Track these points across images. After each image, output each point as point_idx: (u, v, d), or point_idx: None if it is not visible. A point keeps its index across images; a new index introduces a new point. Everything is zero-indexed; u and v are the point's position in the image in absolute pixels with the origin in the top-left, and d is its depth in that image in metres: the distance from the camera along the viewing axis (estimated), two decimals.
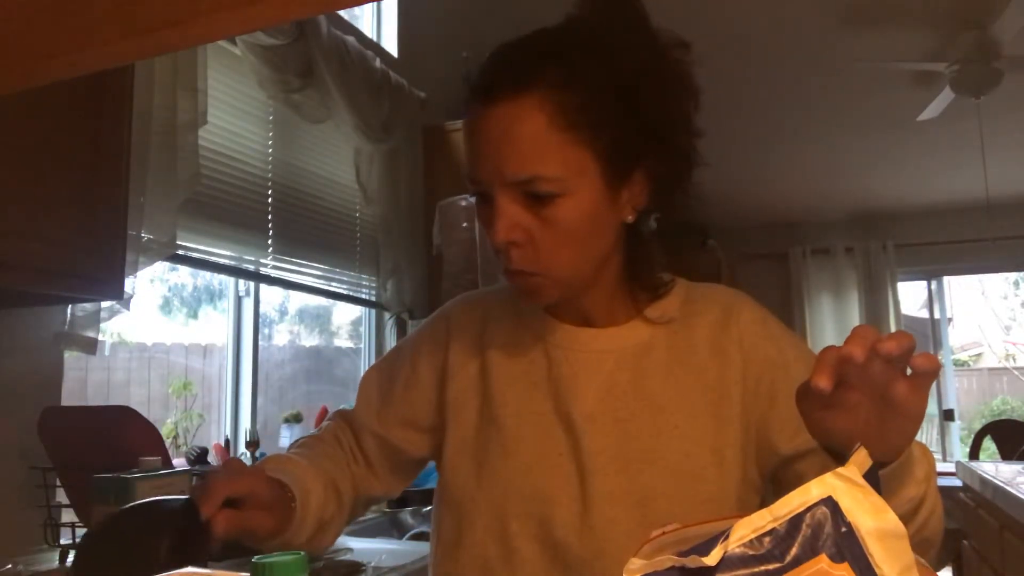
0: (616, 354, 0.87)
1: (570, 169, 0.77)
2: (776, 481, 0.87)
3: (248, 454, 2.09)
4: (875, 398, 0.63)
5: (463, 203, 2.65)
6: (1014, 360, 7.60)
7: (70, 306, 1.55)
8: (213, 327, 2.32)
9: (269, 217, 2.26)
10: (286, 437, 2.28)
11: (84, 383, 1.88)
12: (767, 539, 0.44)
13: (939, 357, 5.90)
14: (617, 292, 0.89)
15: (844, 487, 0.45)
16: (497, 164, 0.78)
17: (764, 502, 0.81)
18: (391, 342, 2.75)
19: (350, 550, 1.81)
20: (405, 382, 0.95)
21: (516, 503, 0.84)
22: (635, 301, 0.89)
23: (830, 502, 0.45)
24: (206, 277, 2.29)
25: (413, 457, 0.97)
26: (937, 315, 6.02)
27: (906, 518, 0.69)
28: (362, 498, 0.97)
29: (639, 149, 0.80)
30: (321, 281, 2.51)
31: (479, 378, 0.91)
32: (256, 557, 0.51)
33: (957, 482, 3.06)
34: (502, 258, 0.81)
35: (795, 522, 0.44)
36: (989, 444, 4.58)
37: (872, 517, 0.44)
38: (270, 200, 2.27)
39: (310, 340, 2.80)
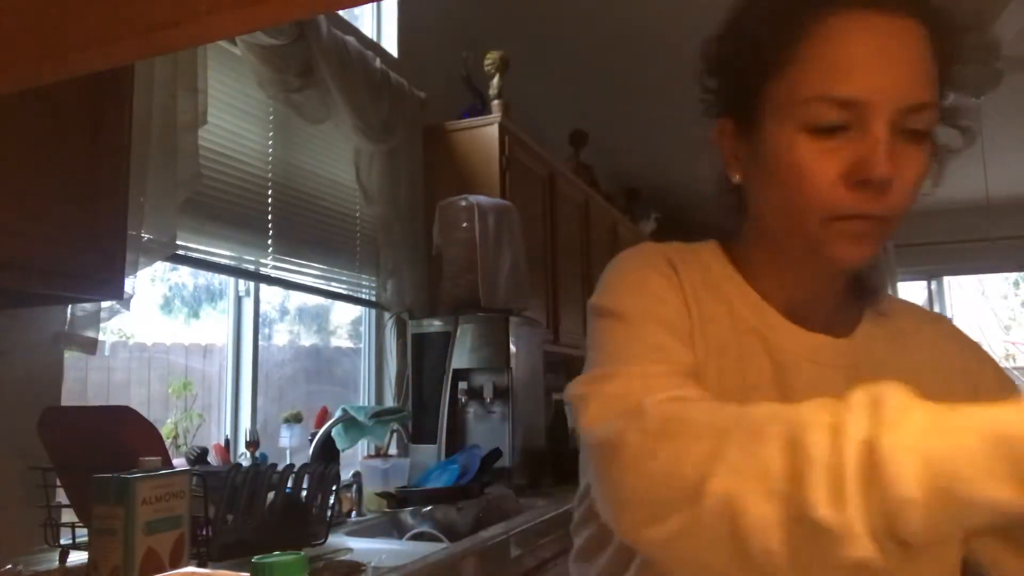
0: (848, 371, 0.72)
1: (936, 104, 0.68)
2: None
3: (248, 454, 2.09)
4: None
5: (463, 203, 2.65)
6: (1014, 360, 7.60)
7: (70, 306, 1.56)
8: (213, 327, 2.32)
9: (269, 217, 2.26)
10: (286, 437, 2.28)
11: (84, 383, 1.88)
12: None
13: None
14: (855, 288, 0.76)
15: None
16: (896, 86, 0.65)
17: None
18: (391, 342, 2.75)
19: (350, 550, 1.81)
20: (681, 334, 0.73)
21: None
22: (859, 303, 0.76)
23: None
24: (206, 277, 2.29)
25: None
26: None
27: None
28: None
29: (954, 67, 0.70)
30: (321, 281, 2.51)
31: (718, 359, 0.73)
32: (256, 557, 0.51)
33: None
34: (853, 199, 0.66)
35: None
36: None
37: None
38: (270, 200, 2.27)
39: (310, 340, 2.80)
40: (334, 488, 1.79)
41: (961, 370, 0.77)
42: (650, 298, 0.73)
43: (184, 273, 2.23)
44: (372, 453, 2.58)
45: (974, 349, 0.80)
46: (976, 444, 0.46)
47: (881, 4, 0.66)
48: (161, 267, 2.06)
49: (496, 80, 2.99)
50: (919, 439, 0.47)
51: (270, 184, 2.28)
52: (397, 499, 2.20)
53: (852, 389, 0.54)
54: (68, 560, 1.42)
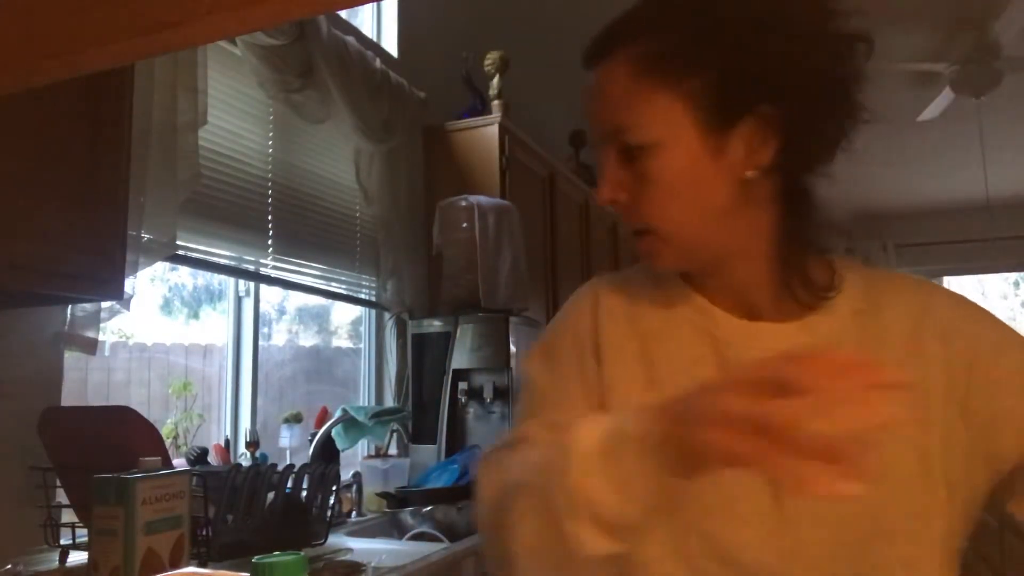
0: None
1: (658, 118, 0.72)
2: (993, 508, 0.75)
3: (248, 454, 2.09)
4: None
5: (463, 203, 2.65)
6: None
7: (70, 306, 1.55)
8: (213, 327, 2.32)
9: (269, 217, 2.26)
10: (286, 437, 2.28)
11: (84, 383, 1.88)
12: None
13: None
14: (783, 275, 0.77)
15: None
16: (597, 118, 0.76)
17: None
18: (391, 342, 2.75)
19: (350, 550, 1.81)
20: (578, 376, 0.82)
21: (695, 518, 0.73)
22: (811, 289, 0.77)
23: None
24: (206, 277, 2.29)
25: None
26: None
27: None
28: None
29: (744, 93, 0.71)
30: (321, 281, 2.51)
31: (638, 363, 0.80)
32: (256, 557, 0.51)
33: None
34: (622, 218, 0.78)
35: None
36: None
37: None
38: (270, 200, 2.27)
39: (310, 340, 2.80)
40: (334, 488, 1.79)
41: (946, 335, 0.75)
42: (554, 364, 0.84)
43: (184, 273, 2.23)
44: (372, 453, 2.58)
45: (968, 312, 0.78)
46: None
47: (593, 59, 0.77)
48: (161, 267, 2.06)
49: (496, 80, 2.99)
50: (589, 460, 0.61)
51: (270, 184, 2.28)
52: (397, 499, 2.20)
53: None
54: (68, 560, 1.42)
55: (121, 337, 2.07)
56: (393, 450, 2.63)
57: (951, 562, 0.73)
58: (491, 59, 3.00)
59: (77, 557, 1.42)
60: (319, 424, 2.33)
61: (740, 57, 0.70)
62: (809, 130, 0.73)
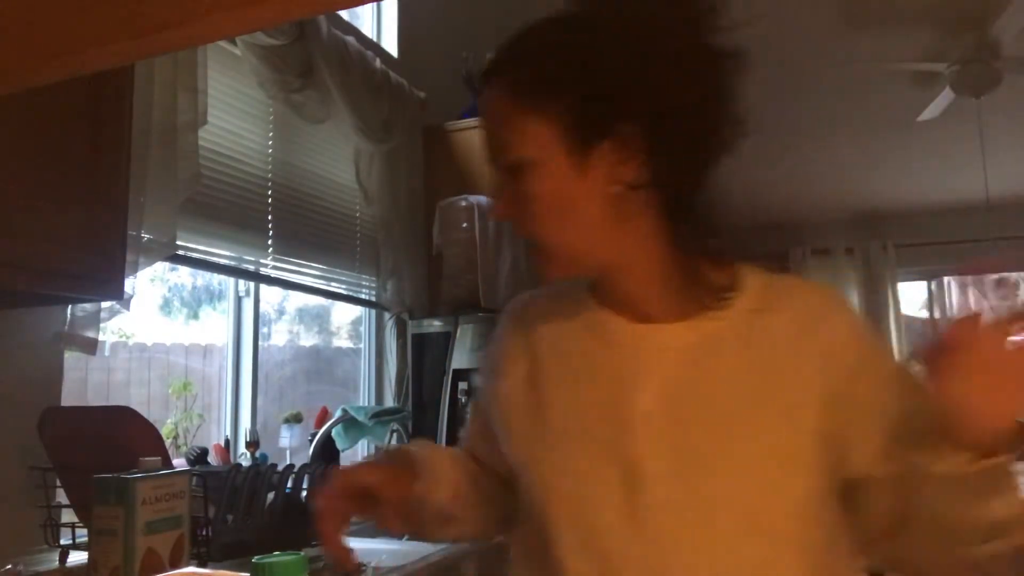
0: (680, 351, 0.81)
1: (530, 139, 0.78)
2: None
3: (248, 454, 2.09)
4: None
5: (463, 203, 2.65)
6: None
7: (70, 306, 1.55)
8: (213, 327, 2.32)
9: (269, 217, 2.26)
10: (286, 437, 2.28)
11: (84, 383, 1.88)
12: None
13: None
14: (672, 281, 0.82)
15: None
16: (486, 147, 0.84)
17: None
18: (391, 342, 2.75)
19: (350, 550, 1.81)
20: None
21: (561, 508, 0.80)
22: (699, 292, 0.82)
23: None
24: (206, 277, 2.29)
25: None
26: (937, 315, 6.01)
27: (995, 530, 0.68)
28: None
29: (600, 115, 0.76)
30: (321, 281, 2.51)
31: (528, 376, 0.88)
32: (256, 557, 0.51)
33: None
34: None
35: None
36: None
37: None
38: (270, 200, 2.27)
39: (310, 340, 2.80)
40: None
41: (828, 353, 0.79)
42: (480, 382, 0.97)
43: (184, 273, 2.23)
44: (372, 453, 2.58)
45: (859, 340, 0.82)
46: None
47: (480, 86, 0.84)
48: (161, 267, 2.06)
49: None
50: None
51: (270, 184, 2.27)
52: None
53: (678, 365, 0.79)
54: (68, 560, 1.42)
55: (121, 337, 2.07)
56: None
57: (812, 562, 0.77)
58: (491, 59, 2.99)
59: (77, 557, 1.42)
60: (319, 424, 2.33)
61: (595, 81, 0.76)
62: (672, 146, 0.78)
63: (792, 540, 0.76)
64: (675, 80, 0.76)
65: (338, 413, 2.34)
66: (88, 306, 1.57)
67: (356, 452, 2.57)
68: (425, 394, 2.71)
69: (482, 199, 2.67)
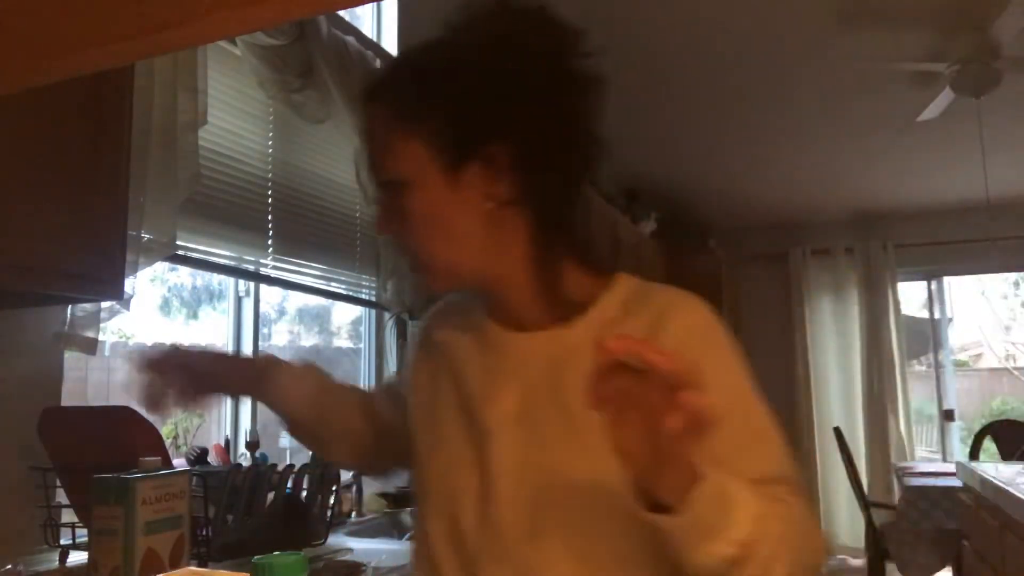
0: (541, 358, 0.87)
1: (407, 158, 0.83)
2: None
3: (248, 454, 2.09)
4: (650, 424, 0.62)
5: None
6: (1014, 360, 7.59)
7: (70, 306, 1.55)
8: (213, 327, 2.32)
9: (269, 217, 2.26)
10: (286, 437, 2.28)
11: (84, 383, 1.88)
12: None
13: (939, 357, 5.91)
14: (541, 292, 0.88)
15: None
16: (369, 165, 0.88)
17: None
18: (391, 342, 2.75)
19: (350, 550, 1.81)
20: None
21: (433, 502, 0.89)
22: (566, 302, 0.88)
23: None
24: (206, 277, 2.29)
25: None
26: (937, 315, 6.02)
27: (711, 573, 0.69)
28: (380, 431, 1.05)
29: (469, 136, 0.82)
30: (321, 281, 2.51)
31: (429, 376, 0.96)
32: (256, 557, 0.51)
33: (957, 482, 3.06)
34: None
35: None
36: (989, 444, 4.58)
37: None
38: (270, 200, 2.27)
39: (310, 340, 2.80)
40: (334, 488, 1.79)
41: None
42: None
43: (183, 273, 2.23)
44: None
45: (696, 339, 0.85)
46: None
47: (362, 102, 0.88)
48: (161, 267, 2.06)
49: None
50: None
51: (270, 184, 2.27)
52: (397, 499, 2.20)
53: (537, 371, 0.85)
54: (68, 560, 1.42)
55: (121, 337, 2.07)
56: None
57: (656, 555, 0.78)
58: None
59: (77, 557, 1.42)
60: None
61: (461, 105, 0.81)
62: (538, 165, 0.83)
63: (624, 533, 0.79)
64: (538, 103, 0.82)
65: None
66: (88, 306, 1.57)
67: None
68: None
69: None
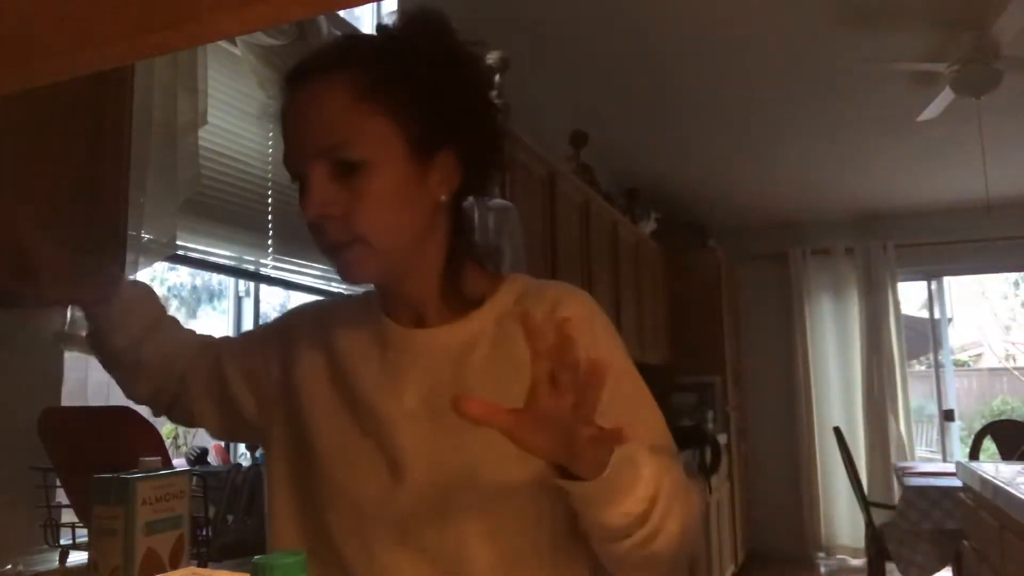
0: (442, 352, 0.91)
1: (374, 139, 0.83)
2: None
3: (248, 454, 2.09)
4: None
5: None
6: (1014, 360, 7.59)
7: (70, 306, 1.55)
8: (213, 327, 2.32)
9: (269, 217, 2.26)
10: None
11: (84, 383, 1.88)
12: None
13: (939, 357, 5.91)
14: (446, 287, 0.93)
15: None
16: (308, 135, 0.85)
17: None
18: None
19: None
20: (259, 356, 1.04)
21: (331, 495, 0.91)
22: (465, 297, 0.93)
23: None
24: (206, 277, 2.29)
25: (235, 408, 1.05)
26: (937, 315, 6.02)
27: (619, 533, 0.78)
28: (177, 377, 1.09)
29: (441, 133, 0.87)
30: (321, 281, 2.51)
31: (328, 370, 0.97)
32: (256, 557, 0.51)
33: (957, 482, 3.06)
34: (317, 235, 0.86)
35: None
36: (989, 444, 4.58)
37: None
38: (270, 200, 2.27)
39: None
40: None
41: None
42: None
43: (183, 273, 2.23)
44: None
45: (594, 337, 0.91)
46: None
47: (303, 76, 0.87)
48: (161, 267, 2.06)
49: (496, 80, 2.99)
50: None
51: (270, 184, 2.27)
52: None
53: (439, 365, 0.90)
54: (68, 560, 1.42)
55: None
56: None
57: (551, 531, 0.89)
58: (491, 59, 2.99)
59: (77, 557, 1.42)
60: None
61: (443, 99, 0.86)
62: (479, 165, 0.92)
63: (531, 513, 0.87)
64: (487, 115, 0.92)
65: None
66: None
67: None
68: None
69: (480, 199, 2.67)
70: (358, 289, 1.06)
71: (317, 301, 1.10)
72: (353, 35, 0.93)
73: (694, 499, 0.86)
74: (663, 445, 0.90)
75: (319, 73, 0.86)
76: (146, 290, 1.13)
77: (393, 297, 0.96)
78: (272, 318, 1.27)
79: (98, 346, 1.08)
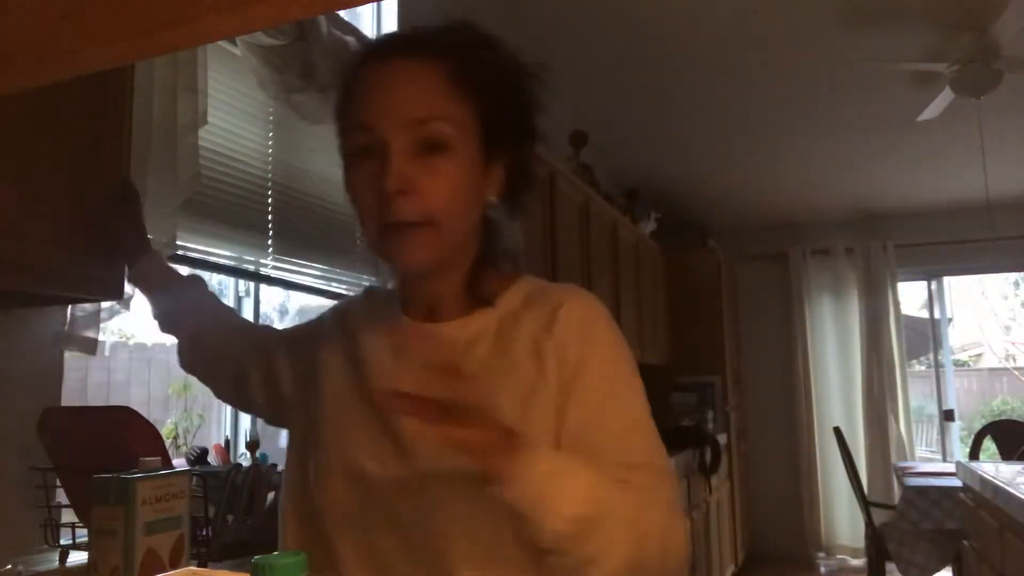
0: (446, 346, 0.93)
1: (462, 126, 0.85)
2: None
3: (248, 454, 2.09)
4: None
5: None
6: (1014, 360, 7.60)
7: (70, 306, 1.55)
8: None
9: (269, 217, 2.26)
10: (286, 437, 2.28)
11: (84, 383, 1.88)
12: None
13: (939, 357, 5.91)
14: (466, 286, 0.95)
15: None
16: (396, 104, 0.84)
17: None
18: None
19: None
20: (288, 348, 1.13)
21: (333, 484, 0.93)
22: (481, 295, 0.95)
23: None
24: (206, 277, 2.28)
25: (251, 389, 1.16)
26: (937, 315, 6.02)
27: (550, 547, 0.74)
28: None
29: (504, 142, 0.91)
30: (321, 281, 2.51)
31: (346, 361, 1.00)
32: (256, 557, 0.51)
33: (957, 482, 3.06)
34: (388, 210, 0.84)
35: None
36: (989, 444, 4.58)
37: None
38: (270, 200, 2.27)
39: None
40: None
41: (563, 349, 0.89)
42: None
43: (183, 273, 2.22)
44: None
45: (587, 337, 0.91)
46: None
47: (395, 50, 0.89)
48: None
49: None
50: None
51: (270, 184, 2.27)
52: None
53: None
54: (68, 560, 1.42)
55: (121, 337, 2.07)
56: None
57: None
58: None
59: (77, 557, 1.42)
60: None
61: (521, 106, 0.91)
62: (519, 180, 0.95)
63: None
64: (536, 139, 0.96)
65: None
66: (88, 306, 1.57)
67: None
68: None
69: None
70: (358, 290, 1.07)
71: (347, 298, 1.15)
72: (444, 27, 0.94)
73: (672, 532, 0.82)
74: (646, 463, 0.86)
75: (415, 50, 0.88)
76: (200, 281, 1.30)
77: (413, 291, 0.98)
78: (271, 318, 1.29)
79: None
